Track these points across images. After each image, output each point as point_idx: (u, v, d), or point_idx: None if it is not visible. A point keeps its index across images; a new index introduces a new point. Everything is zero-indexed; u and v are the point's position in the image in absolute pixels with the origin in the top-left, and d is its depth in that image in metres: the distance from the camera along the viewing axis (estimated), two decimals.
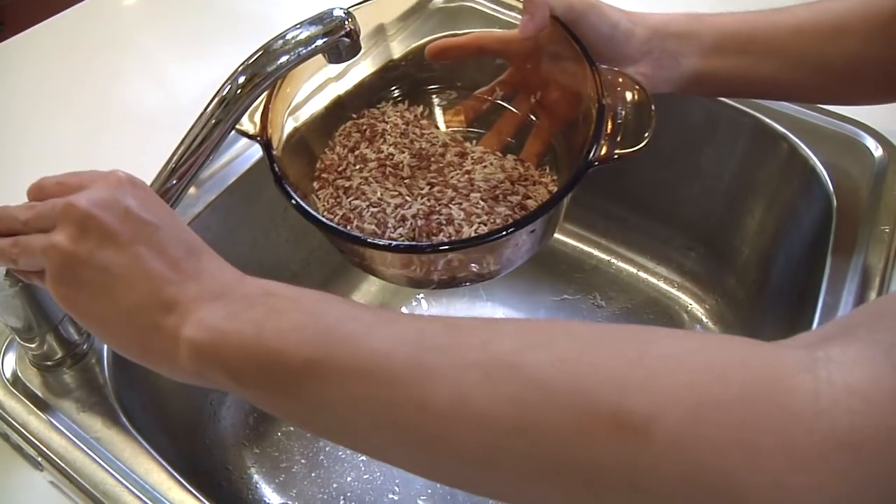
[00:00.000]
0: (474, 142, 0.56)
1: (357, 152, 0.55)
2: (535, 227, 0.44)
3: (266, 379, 0.33)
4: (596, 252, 0.83)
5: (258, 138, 0.47)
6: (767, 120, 0.68)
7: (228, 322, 0.33)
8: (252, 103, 0.44)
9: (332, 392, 0.31)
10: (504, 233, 0.42)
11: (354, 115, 0.58)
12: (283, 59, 0.43)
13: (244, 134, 0.47)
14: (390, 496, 0.64)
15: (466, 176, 0.52)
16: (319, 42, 0.43)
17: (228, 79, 0.43)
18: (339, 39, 0.44)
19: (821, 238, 0.61)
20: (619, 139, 0.44)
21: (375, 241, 0.44)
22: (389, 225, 0.49)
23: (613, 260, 0.83)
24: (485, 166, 0.53)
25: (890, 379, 0.26)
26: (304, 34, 0.43)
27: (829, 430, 0.25)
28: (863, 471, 0.25)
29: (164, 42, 0.84)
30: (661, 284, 0.81)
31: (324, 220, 0.44)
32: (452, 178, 0.52)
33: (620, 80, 0.46)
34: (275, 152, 0.47)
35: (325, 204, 0.52)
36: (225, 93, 0.43)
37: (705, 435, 0.26)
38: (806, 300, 0.59)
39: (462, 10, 0.76)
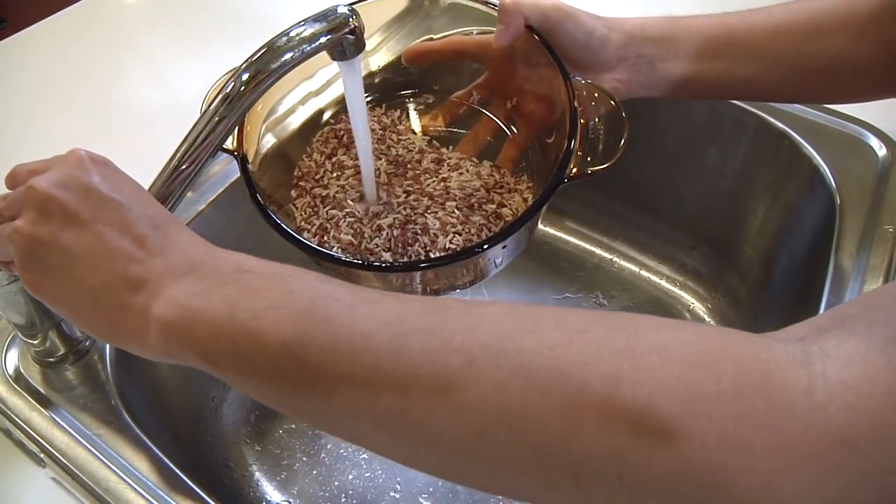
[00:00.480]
0: (451, 147, 0.56)
1: (335, 159, 0.54)
2: (507, 243, 0.44)
3: (239, 360, 0.31)
4: (598, 250, 0.83)
5: (234, 153, 0.47)
6: (771, 119, 0.68)
7: (199, 299, 0.32)
8: (256, 100, 0.44)
9: (309, 375, 0.30)
10: (476, 250, 0.43)
11: (332, 121, 0.57)
12: (287, 56, 0.42)
13: (223, 150, 0.47)
14: (392, 494, 0.64)
15: (442, 184, 0.52)
16: (323, 39, 0.43)
17: (233, 75, 0.43)
18: (343, 37, 0.44)
19: (824, 237, 0.61)
20: (591, 155, 0.44)
21: (345, 259, 0.45)
22: (366, 235, 0.49)
23: (616, 258, 0.83)
24: (461, 173, 0.53)
25: (886, 375, 0.26)
26: (308, 31, 0.43)
27: (823, 427, 0.25)
28: (857, 469, 0.25)
29: (165, 40, 0.84)
30: (664, 283, 0.81)
31: (301, 238, 0.45)
32: (428, 185, 0.52)
33: (596, 94, 0.47)
34: (250, 167, 0.47)
35: (303, 214, 0.52)
36: (229, 90, 0.43)
37: (697, 430, 0.26)
38: (809, 300, 0.59)
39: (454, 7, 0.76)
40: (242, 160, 0.47)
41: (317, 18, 0.43)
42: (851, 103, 0.64)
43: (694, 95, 0.54)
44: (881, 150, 0.64)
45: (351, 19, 0.44)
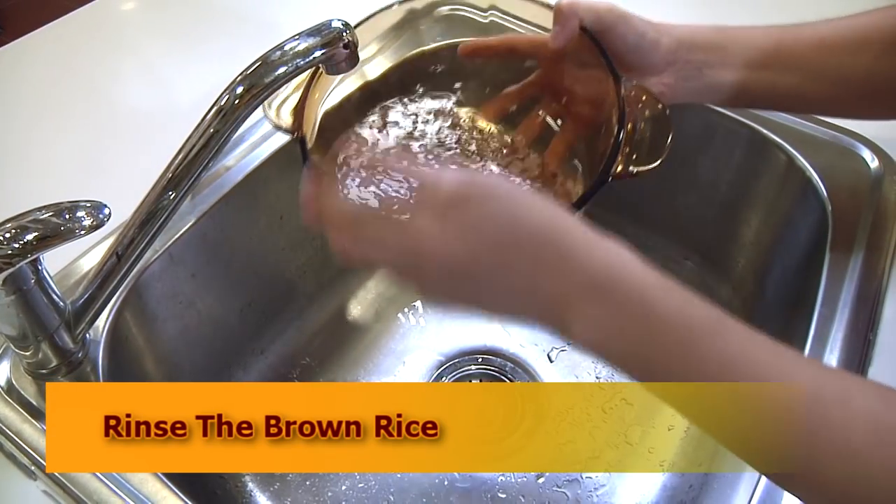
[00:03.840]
0: (507, 137, 0.56)
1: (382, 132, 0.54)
2: None
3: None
4: None
5: (293, 134, 0.47)
6: (764, 130, 0.68)
7: (608, 329, 0.35)
8: (250, 114, 0.44)
9: None
10: None
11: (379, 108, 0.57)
12: (281, 70, 0.43)
13: (279, 127, 0.49)
14: None
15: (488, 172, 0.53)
16: (317, 53, 0.43)
17: (226, 89, 0.43)
18: (337, 50, 0.44)
19: (817, 249, 0.61)
20: (635, 156, 0.45)
21: None
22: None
23: None
24: (508, 164, 0.53)
25: None
26: (302, 45, 0.43)
27: None
28: None
29: (163, 47, 0.84)
30: None
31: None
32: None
33: (644, 96, 0.47)
34: (310, 147, 0.47)
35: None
36: (223, 103, 0.43)
37: None
38: (802, 311, 0.59)
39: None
40: (301, 141, 0.47)
41: (311, 33, 0.44)
42: (889, 120, 0.64)
43: (738, 104, 0.55)
44: (873, 162, 0.65)
45: (345, 34, 0.44)
